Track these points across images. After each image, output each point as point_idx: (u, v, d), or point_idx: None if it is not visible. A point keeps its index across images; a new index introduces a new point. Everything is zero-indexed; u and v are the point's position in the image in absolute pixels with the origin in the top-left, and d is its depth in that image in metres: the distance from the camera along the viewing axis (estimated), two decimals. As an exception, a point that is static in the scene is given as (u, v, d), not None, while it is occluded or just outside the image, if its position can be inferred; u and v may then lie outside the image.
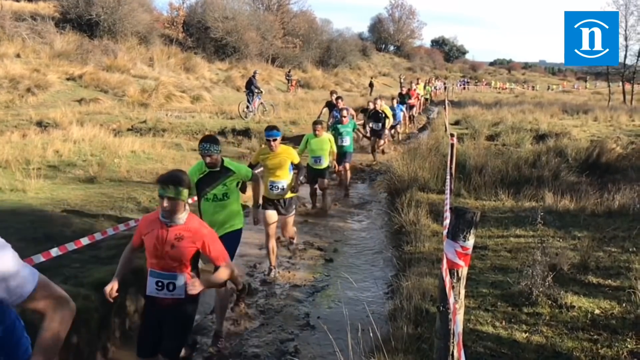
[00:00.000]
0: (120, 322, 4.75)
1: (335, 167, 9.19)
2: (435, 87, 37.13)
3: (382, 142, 13.17)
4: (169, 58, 29.54)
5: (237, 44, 36.06)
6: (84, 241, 4.68)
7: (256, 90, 18.74)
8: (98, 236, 4.94)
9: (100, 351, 4.39)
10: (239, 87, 27.48)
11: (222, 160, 4.71)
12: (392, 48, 73.70)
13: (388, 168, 11.42)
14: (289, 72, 35.72)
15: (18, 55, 22.06)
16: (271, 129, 6.02)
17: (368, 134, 12.83)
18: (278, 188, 6.19)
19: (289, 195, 6.29)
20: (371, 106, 13.43)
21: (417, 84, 25.62)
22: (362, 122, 13.12)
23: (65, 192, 7.48)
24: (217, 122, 16.30)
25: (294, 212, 6.46)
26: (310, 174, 8.59)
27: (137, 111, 17.86)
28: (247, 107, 18.42)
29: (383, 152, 13.48)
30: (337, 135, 9.76)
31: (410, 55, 71.08)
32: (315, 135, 8.28)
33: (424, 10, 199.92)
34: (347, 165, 9.87)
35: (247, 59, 35.81)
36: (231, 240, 4.67)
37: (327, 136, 8.49)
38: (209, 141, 4.56)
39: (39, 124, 14.14)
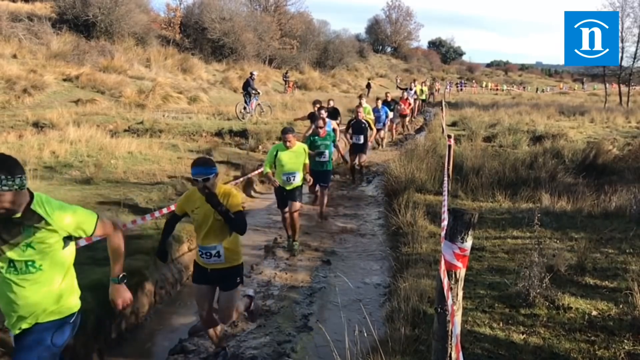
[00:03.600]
0: (117, 324, 4.73)
1: (308, 180, 7.03)
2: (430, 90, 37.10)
3: (364, 157, 10.84)
4: (166, 59, 29.52)
5: (234, 45, 36.04)
6: (81, 242, 4.65)
7: (253, 92, 18.73)
8: (95, 237, 4.91)
9: (96, 353, 4.37)
10: (236, 88, 27.46)
11: (31, 199, 2.58)
12: (389, 49, 73.89)
13: (385, 169, 11.44)
14: (286, 73, 35.72)
15: (14, 56, 22.01)
16: (203, 163, 3.85)
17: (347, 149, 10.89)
18: (210, 255, 3.95)
19: (232, 263, 4.04)
20: (332, 103, 11.80)
21: (414, 85, 25.44)
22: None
23: (61, 193, 7.45)
24: (214, 123, 16.28)
25: (238, 286, 4.15)
26: (279, 195, 6.90)
27: (133, 112, 17.83)
28: (245, 108, 18.40)
29: (362, 168, 11.12)
30: (314, 149, 8.17)
31: (407, 57, 71.28)
32: (286, 147, 6.60)
33: (421, 10, 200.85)
34: (326, 191, 8.33)
35: (244, 60, 35.81)
36: None
37: (301, 146, 6.81)
38: None
39: (36, 124, 14.10)
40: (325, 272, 6.24)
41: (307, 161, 6.93)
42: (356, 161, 10.67)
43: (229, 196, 3.91)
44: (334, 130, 9.45)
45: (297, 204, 6.85)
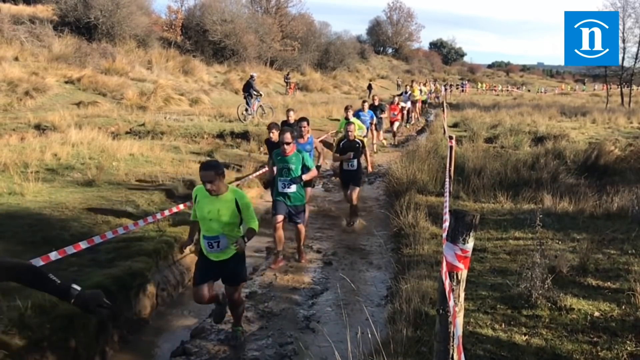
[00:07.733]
0: (118, 326, 4.73)
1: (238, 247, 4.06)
2: (430, 92, 36.97)
3: (356, 192, 7.96)
4: (168, 61, 29.60)
5: (235, 46, 36.13)
6: (83, 244, 4.66)
7: (255, 93, 18.78)
8: (97, 239, 4.92)
9: (99, 355, 4.38)
10: (238, 90, 27.52)
11: None
12: (390, 51, 74.01)
13: (387, 170, 11.43)
14: (288, 74, 35.79)
15: (16, 59, 22.09)
16: None
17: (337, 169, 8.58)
18: None
19: None
20: (292, 116, 9.11)
21: (412, 87, 24.75)
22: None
23: (63, 196, 7.45)
24: (216, 124, 16.29)
25: None
26: (204, 266, 4.33)
27: (135, 114, 17.87)
28: (246, 109, 18.45)
29: (356, 206, 8.12)
30: (278, 171, 6.19)
31: (408, 58, 71.41)
32: (208, 191, 4.05)
33: (422, 12, 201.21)
34: (301, 227, 6.34)
35: (246, 62, 35.90)
36: None
37: (233, 194, 4.16)
38: None
39: (37, 127, 14.14)
40: (327, 274, 6.24)
41: (254, 224, 4.19)
42: (347, 197, 7.98)
43: None
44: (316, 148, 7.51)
45: (236, 288, 4.39)
